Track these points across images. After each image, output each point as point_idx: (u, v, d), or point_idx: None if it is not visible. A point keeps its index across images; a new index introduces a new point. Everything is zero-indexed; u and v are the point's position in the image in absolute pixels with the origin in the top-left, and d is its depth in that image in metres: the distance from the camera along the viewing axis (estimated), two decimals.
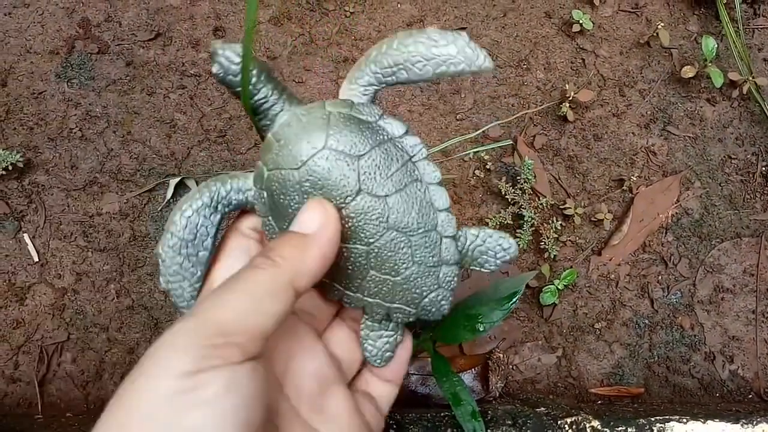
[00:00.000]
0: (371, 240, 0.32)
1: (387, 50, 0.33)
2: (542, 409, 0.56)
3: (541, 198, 0.77)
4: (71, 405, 0.69)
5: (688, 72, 0.82)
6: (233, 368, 0.26)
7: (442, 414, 0.56)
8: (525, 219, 0.74)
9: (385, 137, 0.32)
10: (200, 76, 0.83)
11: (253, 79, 0.33)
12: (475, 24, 0.87)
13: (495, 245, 0.35)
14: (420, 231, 0.32)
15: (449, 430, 0.54)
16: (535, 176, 0.77)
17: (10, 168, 0.75)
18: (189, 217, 0.33)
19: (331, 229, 0.30)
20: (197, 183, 0.78)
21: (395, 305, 0.33)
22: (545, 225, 0.76)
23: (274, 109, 0.33)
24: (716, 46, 0.81)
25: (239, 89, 0.32)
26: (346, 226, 0.32)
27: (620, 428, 0.57)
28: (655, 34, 0.84)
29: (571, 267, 0.77)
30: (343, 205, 0.31)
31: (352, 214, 0.31)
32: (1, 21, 0.84)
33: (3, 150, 0.75)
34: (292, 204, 0.32)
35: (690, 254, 0.79)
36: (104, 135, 0.80)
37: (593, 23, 0.85)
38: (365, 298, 0.34)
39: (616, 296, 0.77)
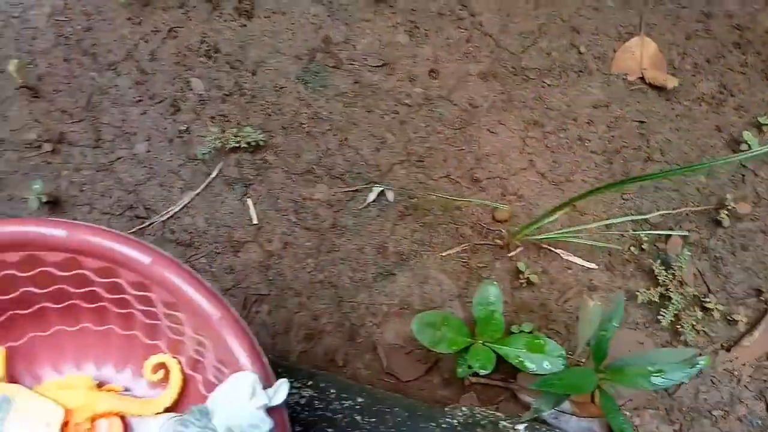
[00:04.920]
0: None
1: None
2: None
3: (685, 287, 0.86)
4: None
5: None
6: None
7: None
8: (672, 302, 0.83)
9: None
10: (412, 106, 0.97)
11: None
12: (653, 120, 0.98)
13: None
14: None
15: None
16: (683, 266, 0.87)
17: (252, 143, 0.90)
18: None
19: None
20: (394, 195, 0.91)
21: None
22: (686, 311, 0.85)
23: None
24: None
25: None
26: None
27: None
28: None
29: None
30: None
31: None
32: (261, 22, 1.01)
33: (251, 128, 0.91)
34: None
35: None
36: (326, 135, 0.94)
37: (759, 146, 0.95)
38: None
39: (736, 392, 0.85)
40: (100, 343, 0.62)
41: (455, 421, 0.61)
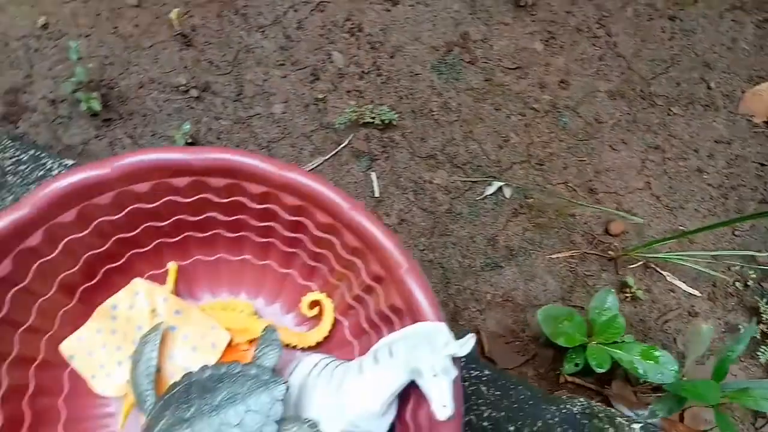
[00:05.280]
0: None
1: None
2: None
3: None
4: None
5: None
6: None
7: None
8: None
9: None
10: (539, 111, 1.00)
11: None
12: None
13: None
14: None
15: None
16: None
17: (385, 121, 0.95)
18: None
19: None
20: (511, 192, 0.95)
21: None
22: None
23: None
24: None
25: None
26: None
27: None
28: None
29: None
30: None
31: None
32: (405, 9, 1.06)
33: (386, 107, 0.96)
34: None
35: None
36: (452, 125, 0.99)
37: None
38: None
39: None
40: (255, 275, 0.67)
41: (575, 409, 0.64)
